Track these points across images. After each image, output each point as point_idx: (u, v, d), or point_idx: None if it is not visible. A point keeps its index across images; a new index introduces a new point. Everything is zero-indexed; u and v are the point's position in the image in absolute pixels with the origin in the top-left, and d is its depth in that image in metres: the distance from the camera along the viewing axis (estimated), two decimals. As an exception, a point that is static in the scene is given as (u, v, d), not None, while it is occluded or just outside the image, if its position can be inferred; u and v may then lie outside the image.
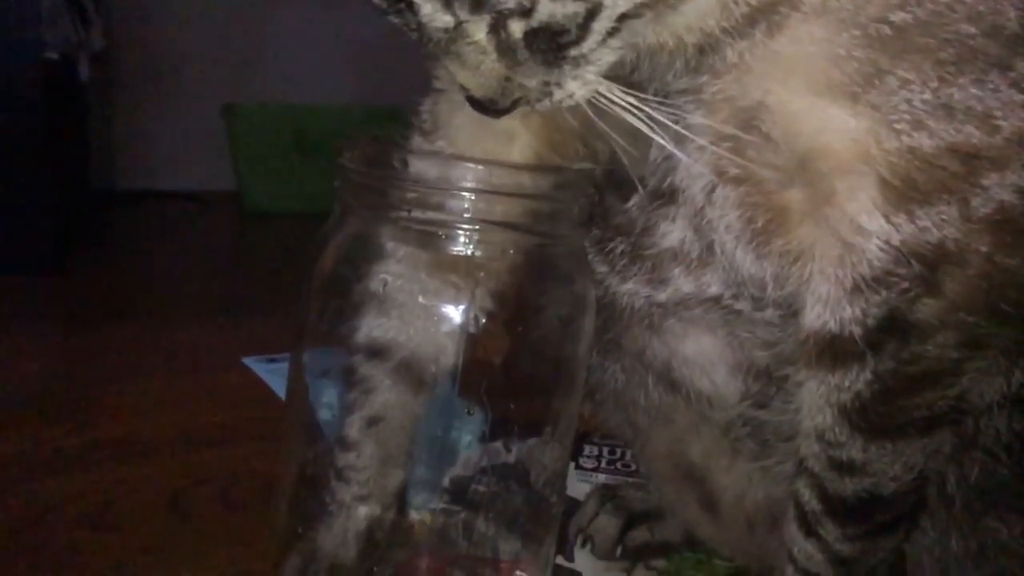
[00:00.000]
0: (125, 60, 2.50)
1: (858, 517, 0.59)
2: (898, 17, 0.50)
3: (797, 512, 0.61)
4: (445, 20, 0.48)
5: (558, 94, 0.51)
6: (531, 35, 0.48)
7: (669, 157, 0.58)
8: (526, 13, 0.47)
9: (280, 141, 2.48)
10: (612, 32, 0.50)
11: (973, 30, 0.50)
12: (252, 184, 2.50)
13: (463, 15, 0.48)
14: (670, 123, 0.53)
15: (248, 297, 1.66)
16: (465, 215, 0.59)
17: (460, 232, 0.60)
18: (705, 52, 0.53)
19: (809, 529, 0.60)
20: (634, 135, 0.58)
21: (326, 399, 0.69)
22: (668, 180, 0.60)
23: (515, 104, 0.51)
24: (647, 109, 0.52)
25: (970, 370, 0.56)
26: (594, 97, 0.52)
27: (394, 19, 0.50)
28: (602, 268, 0.65)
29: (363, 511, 0.68)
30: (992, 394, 0.59)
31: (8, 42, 1.70)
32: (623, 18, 0.49)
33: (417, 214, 0.60)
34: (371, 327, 0.67)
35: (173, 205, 2.48)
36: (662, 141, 0.53)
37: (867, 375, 0.55)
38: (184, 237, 2.23)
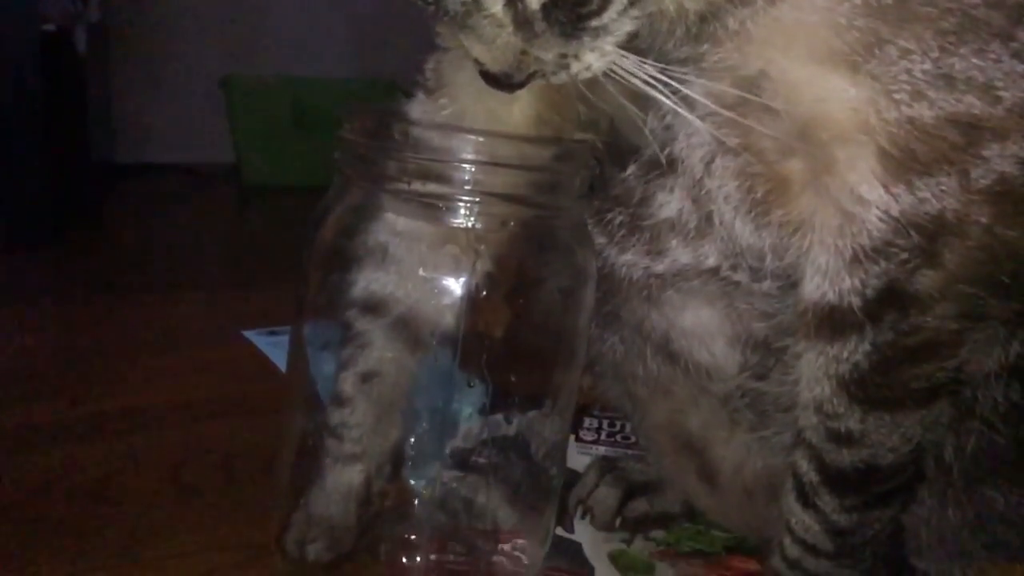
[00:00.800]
0: (123, 32, 2.48)
1: (855, 488, 0.59)
2: None
3: (795, 483, 0.61)
4: None
5: (575, 66, 0.51)
6: (549, 7, 0.48)
7: (669, 127, 0.58)
8: None
9: (279, 114, 2.47)
10: (634, 1, 0.49)
11: (976, 0, 0.50)
12: (251, 157, 2.49)
13: None
14: (693, 94, 0.53)
15: (248, 270, 1.66)
16: (466, 187, 0.59)
17: (460, 204, 0.60)
18: (706, 20, 0.52)
19: (807, 500, 0.60)
20: (635, 102, 0.58)
21: (327, 371, 0.69)
22: (667, 150, 0.60)
23: (530, 77, 0.51)
24: (664, 79, 0.52)
25: (969, 341, 0.56)
26: (611, 68, 0.52)
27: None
28: (601, 239, 0.65)
29: (357, 469, 0.68)
30: (990, 364, 0.59)
31: (4, 14, 1.68)
32: None
33: (417, 186, 0.59)
34: (368, 280, 0.67)
35: (172, 178, 2.47)
36: (683, 112, 0.53)
37: (866, 346, 0.55)
38: (183, 210, 2.23)
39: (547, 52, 0.50)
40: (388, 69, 1.74)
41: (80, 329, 1.24)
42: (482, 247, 0.62)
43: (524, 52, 0.50)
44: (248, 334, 1.16)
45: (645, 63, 0.52)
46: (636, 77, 0.52)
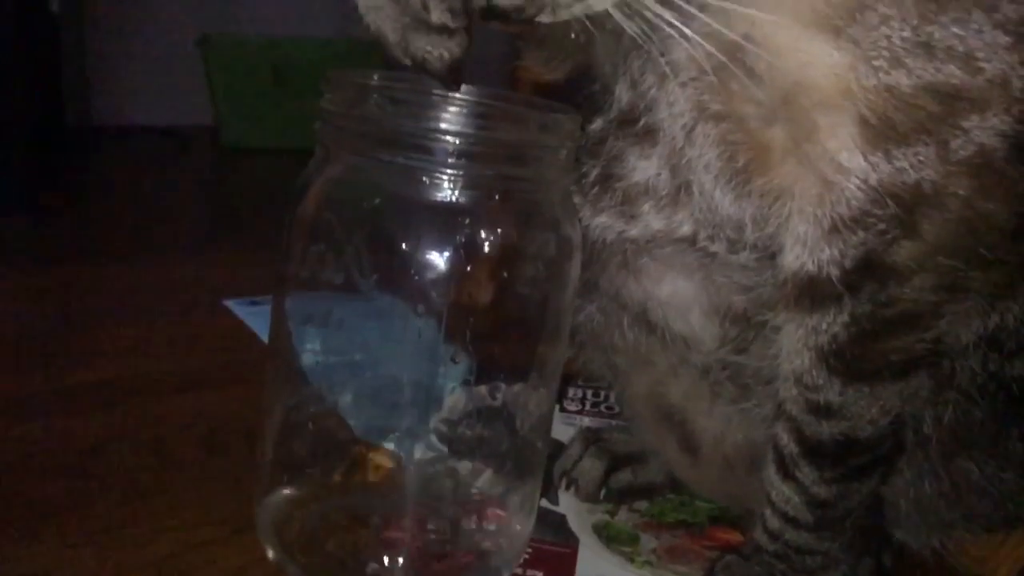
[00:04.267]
0: (96, -10, 2.42)
1: (835, 460, 0.60)
2: None
3: (775, 455, 0.62)
4: None
5: None
6: None
7: (655, 87, 0.57)
8: None
9: (258, 75, 2.43)
10: None
11: None
12: (230, 119, 2.45)
13: None
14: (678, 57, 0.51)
15: (228, 236, 1.65)
16: (449, 159, 0.58)
17: (444, 177, 0.59)
18: None
19: (787, 472, 0.61)
20: (619, 43, 0.57)
21: (309, 345, 0.69)
22: (644, 119, 0.59)
23: (539, 11, 0.48)
24: (670, 18, 0.49)
25: (948, 313, 0.57)
26: (625, 4, 0.49)
27: None
28: (576, 197, 0.65)
29: None
30: (968, 335, 0.59)
31: (-26, -27, 1.64)
32: None
33: (400, 159, 0.59)
34: None
35: (149, 141, 2.43)
36: (704, 46, 0.51)
37: (844, 317, 0.56)
38: (161, 174, 2.20)
39: None
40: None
41: (56, 298, 1.22)
42: (466, 220, 0.62)
43: None
44: (229, 303, 1.15)
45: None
46: (650, 12, 0.49)
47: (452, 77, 0.57)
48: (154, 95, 2.53)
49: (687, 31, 0.49)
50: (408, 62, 0.57)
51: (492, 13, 0.48)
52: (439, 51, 0.56)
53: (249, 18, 2.58)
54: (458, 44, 0.56)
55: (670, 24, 0.49)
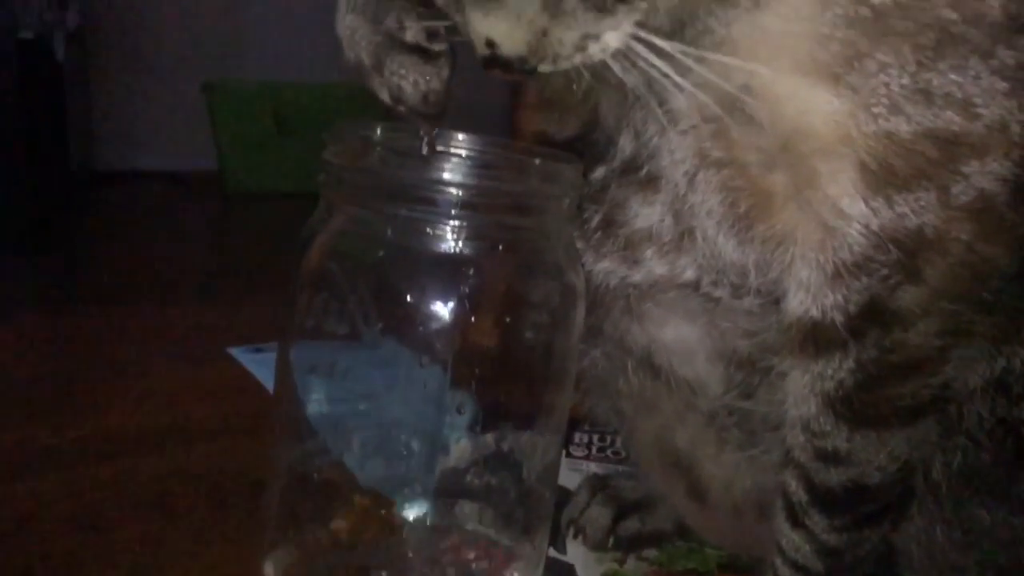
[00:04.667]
0: (102, 38, 2.45)
1: (845, 507, 0.59)
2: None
3: (785, 503, 0.61)
4: None
5: (593, 48, 0.47)
6: None
7: (657, 135, 0.58)
8: None
9: (262, 120, 2.45)
10: None
11: (954, 16, 0.50)
12: (233, 163, 2.47)
13: None
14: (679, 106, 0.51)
15: (232, 281, 1.65)
16: (452, 211, 0.59)
17: (447, 228, 0.59)
18: (684, 24, 0.51)
19: (796, 520, 0.61)
20: (622, 96, 0.57)
21: (315, 395, 0.69)
22: (647, 168, 0.59)
23: (541, 61, 0.47)
24: (669, 71, 0.49)
25: (953, 358, 0.56)
26: (628, 48, 0.48)
27: None
28: (578, 243, 0.65)
29: None
30: (975, 380, 0.59)
31: (-19, 23, 1.66)
32: None
33: (403, 211, 0.59)
34: None
35: (153, 185, 2.45)
36: (700, 96, 0.50)
37: (850, 363, 0.56)
38: (165, 218, 2.21)
39: (572, 32, 0.46)
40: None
41: (60, 346, 1.22)
42: (470, 270, 0.62)
43: (545, 32, 0.46)
44: (233, 351, 1.15)
45: (666, 45, 0.48)
46: (651, 59, 0.49)
47: (430, 109, 0.56)
48: (158, 140, 2.56)
49: (683, 83, 0.49)
50: (385, 94, 0.56)
51: (496, 62, 0.47)
52: (414, 76, 0.55)
53: (253, 64, 2.61)
54: (437, 73, 0.55)
55: (666, 76, 0.49)
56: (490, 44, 0.46)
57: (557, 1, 0.45)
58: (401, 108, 0.57)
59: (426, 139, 0.59)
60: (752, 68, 0.51)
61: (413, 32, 0.54)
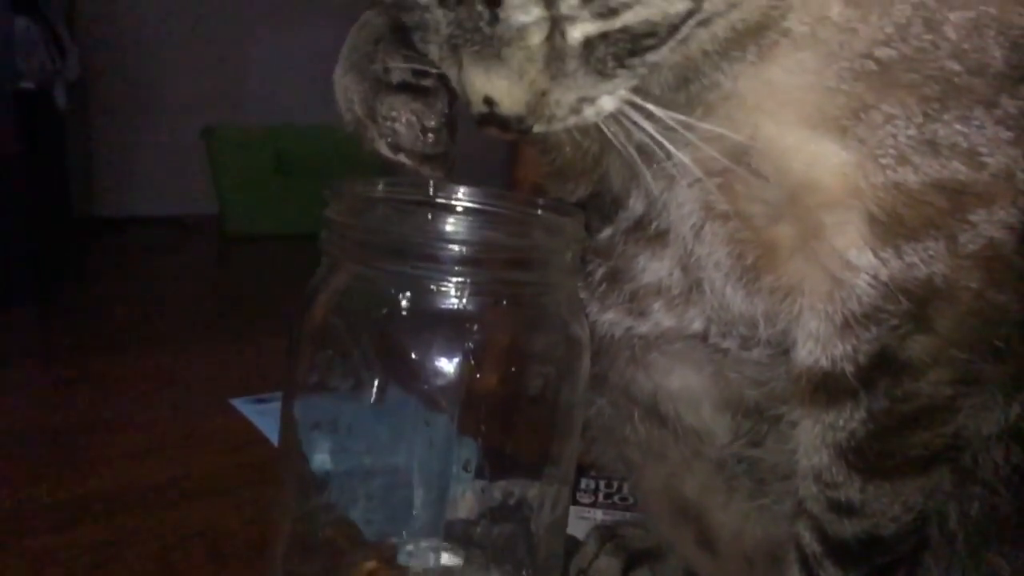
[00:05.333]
0: (102, 86, 2.47)
1: (859, 559, 0.59)
2: (883, 53, 0.50)
3: (798, 554, 0.61)
4: (535, 13, 0.43)
5: (588, 111, 0.47)
6: (595, 41, 0.44)
7: (666, 190, 0.58)
8: (605, 14, 0.43)
9: (261, 163, 2.46)
10: (685, 39, 0.46)
11: (958, 67, 0.50)
12: (234, 207, 2.48)
13: (538, 11, 0.42)
14: (683, 160, 0.51)
15: (234, 327, 1.64)
16: (455, 267, 0.58)
17: (451, 284, 0.59)
18: (688, 80, 0.52)
19: (810, 572, 0.60)
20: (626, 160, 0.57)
21: (319, 451, 0.68)
22: (655, 224, 0.59)
23: (537, 121, 0.47)
24: (661, 138, 0.49)
25: (965, 407, 0.56)
26: (622, 112, 0.48)
27: (434, 11, 0.45)
28: (583, 294, 0.65)
29: None
30: (990, 428, 0.59)
31: (-19, 73, 1.68)
32: (704, 22, 0.46)
33: (406, 268, 0.59)
34: None
35: (154, 231, 2.46)
36: (686, 161, 0.51)
37: (861, 413, 0.55)
38: (167, 263, 2.21)
39: (570, 94, 0.46)
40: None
41: (60, 397, 1.22)
42: (474, 326, 0.61)
43: (544, 93, 0.45)
44: (235, 402, 1.15)
45: (657, 111, 0.49)
46: (639, 127, 0.49)
47: (428, 147, 0.54)
48: (159, 186, 2.57)
49: (671, 148, 0.50)
50: (383, 146, 0.56)
51: (492, 120, 0.47)
52: (406, 116, 0.54)
53: (252, 108, 2.63)
54: (430, 107, 0.54)
55: (653, 139, 0.49)
56: (488, 102, 0.46)
57: (559, 63, 0.45)
58: (402, 158, 0.56)
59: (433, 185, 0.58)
60: (758, 118, 0.51)
61: (399, 72, 0.54)
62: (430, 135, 0.54)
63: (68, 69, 2.12)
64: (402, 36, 0.54)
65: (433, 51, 0.48)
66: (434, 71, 0.51)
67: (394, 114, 0.54)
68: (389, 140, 0.55)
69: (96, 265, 2.14)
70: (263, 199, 2.43)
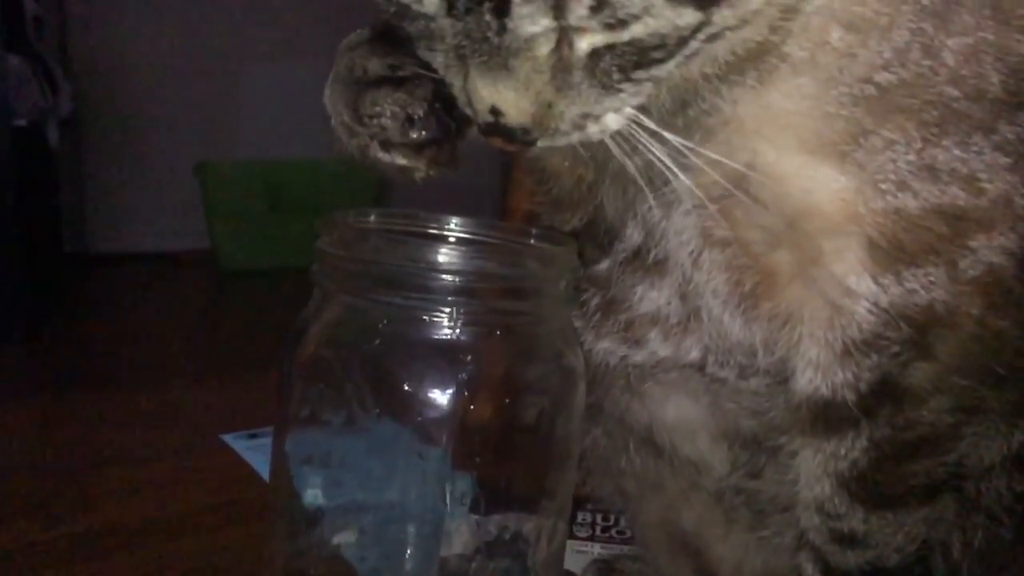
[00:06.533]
0: (95, 123, 2.48)
1: (862, 591, 0.58)
2: (882, 77, 0.50)
3: (800, 587, 0.60)
4: (543, 24, 0.42)
5: (592, 128, 0.47)
6: (601, 53, 0.44)
7: (664, 219, 0.57)
8: (615, 25, 0.42)
9: (254, 198, 2.47)
10: (693, 54, 0.46)
11: (956, 93, 0.50)
12: (227, 242, 2.48)
13: (546, 22, 0.42)
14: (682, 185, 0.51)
15: (226, 363, 1.64)
16: (448, 298, 0.58)
17: (443, 315, 0.58)
18: (687, 104, 0.51)
19: (814, 603, 0.59)
20: (624, 188, 0.57)
21: (311, 486, 0.67)
22: (653, 253, 0.59)
23: (542, 134, 0.46)
24: (667, 160, 0.49)
25: (967, 435, 0.56)
26: (626, 129, 0.48)
27: (441, 20, 0.44)
28: (578, 322, 0.64)
29: None
30: (992, 457, 0.58)
31: (-26, 112, 1.68)
32: (713, 37, 0.45)
33: (399, 299, 0.58)
34: None
35: (147, 267, 2.45)
36: (688, 185, 0.51)
37: (863, 442, 0.55)
38: (159, 299, 2.20)
39: (575, 107, 0.45)
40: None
41: (53, 434, 1.20)
42: (467, 357, 0.61)
43: (550, 105, 0.45)
44: (227, 438, 1.14)
45: (666, 134, 0.48)
46: (645, 145, 0.48)
47: (418, 134, 0.54)
48: (151, 222, 2.57)
49: (675, 168, 0.49)
50: (376, 148, 0.55)
51: (497, 130, 0.46)
52: (389, 107, 0.54)
53: (244, 143, 2.64)
54: (411, 94, 0.53)
55: (660, 161, 0.49)
56: (494, 112, 0.45)
57: (565, 75, 0.44)
58: (398, 159, 0.55)
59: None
60: (757, 144, 0.51)
61: (375, 68, 0.54)
62: (417, 122, 0.54)
63: (61, 106, 2.13)
64: (381, 41, 0.54)
65: (438, 60, 0.47)
66: (409, 62, 0.51)
67: (377, 109, 0.54)
68: (379, 138, 0.55)
69: (88, 301, 2.13)
70: (256, 234, 2.43)
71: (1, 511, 0.94)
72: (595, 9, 0.41)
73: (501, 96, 0.44)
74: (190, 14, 2.55)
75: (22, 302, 1.72)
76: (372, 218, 0.64)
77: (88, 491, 0.99)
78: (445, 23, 0.44)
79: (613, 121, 0.47)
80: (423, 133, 0.54)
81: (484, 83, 0.44)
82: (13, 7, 1.91)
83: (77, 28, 2.43)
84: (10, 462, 1.09)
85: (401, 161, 0.55)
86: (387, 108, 0.54)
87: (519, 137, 0.46)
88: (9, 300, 1.69)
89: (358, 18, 0.58)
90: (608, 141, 0.49)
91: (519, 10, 0.41)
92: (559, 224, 0.64)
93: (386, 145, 0.55)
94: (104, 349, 1.69)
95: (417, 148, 0.55)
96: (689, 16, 0.43)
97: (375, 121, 0.54)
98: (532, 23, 0.42)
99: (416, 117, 0.53)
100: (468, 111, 0.47)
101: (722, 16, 0.44)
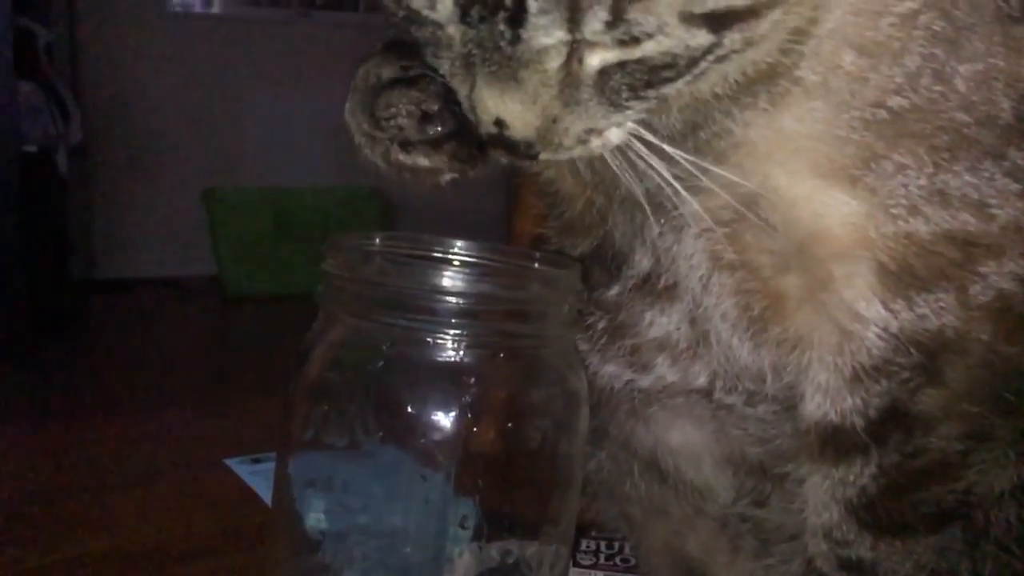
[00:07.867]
0: (104, 150, 2.51)
1: (870, 621, 0.57)
2: (894, 102, 0.50)
3: (808, 616, 0.59)
4: (557, 36, 0.42)
5: (594, 143, 0.47)
6: (612, 70, 0.44)
7: (674, 243, 0.57)
8: (628, 42, 0.42)
9: (261, 224, 2.49)
10: (701, 74, 0.46)
11: (967, 118, 0.50)
12: (233, 268, 2.49)
13: (561, 34, 0.42)
14: (692, 207, 0.51)
15: (231, 387, 1.64)
16: (452, 320, 0.58)
17: (448, 337, 0.58)
18: (698, 126, 0.51)
19: (820, 632, 0.58)
20: (633, 213, 0.57)
21: (313, 510, 0.66)
22: (663, 278, 0.59)
23: (546, 148, 0.46)
24: (670, 178, 0.49)
25: (976, 463, 0.55)
26: (627, 145, 0.48)
27: (450, 27, 0.44)
28: (583, 344, 0.64)
29: None
30: (1001, 484, 0.58)
31: (-14, 137, 1.70)
32: (721, 58, 0.45)
33: (403, 320, 0.58)
34: None
35: (154, 292, 2.46)
36: (696, 207, 0.51)
37: (872, 469, 0.54)
38: (165, 324, 2.21)
39: (580, 123, 0.45)
40: (367, 177, 1.75)
41: (55, 458, 1.19)
42: (471, 379, 0.61)
43: (556, 120, 0.45)
44: (230, 463, 1.13)
45: (668, 148, 0.48)
46: (649, 166, 0.48)
47: (436, 129, 0.53)
48: (158, 248, 2.58)
49: (681, 191, 0.49)
50: (396, 151, 0.55)
51: (500, 142, 0.46)
52: (405, 106, 0.54)
53: (251, 170, 2.66)
54: (424, 90, 0.53)
55: (663, 179, 0.49)
56: (499, 124, 0.45)
57: (574, 90, 0.44)
58: (420, 159, 0.55)
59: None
60: (768, 167, 0.51)
61: (387, 71, 0.54)
62: (434, 118, 0.54)
63: (71, 133, 2.15)
64: (394, 50, 0.54)
65: (444, 67, 0.47)
66: (419, 63, 0.51)
67: (393, 109, 0.54)
68: (398, 140, 0.55)
69: (95, 326, 2.14)
70: (262, 260, 2.45)
71: (3, 534, 0.94)
72: (611, 25, 0.41)
73: (507, 108, 0.44)
74: (198, 43, 2.58)
75: (27, 327, 1.73)
76: (377, 240, 0.64)
77: (90, 515, 0.99)
78: (455, 30, 0.44)
79: (615, 135, 0.47)
80: (439, 128, 0.54)
81: (490, 93, 0.44)
82: (25, 34, 1.93)
83: (87, 56, 2.46)
84: (9, 487, 1.08)
85: (423, 162, 0.55)
86: (402, 107, 0.54)
87: (522, 151, 0.46)
88: (14, 325, 1.70)
89: (365, 48, 0.59)
90: (611, 161, 0.49)
91: (535, 20, 0.41)
92: (568, 249, 0.64)
93: (406, 146, 0.55)
94: (108, 374, 1.70)
95: (435, 144, 0.55)
96: (702, 38, 0.43)
97: (392, 123, 0.54)
98: (546, 35, 0.42)
99: (431, 112, 0.53)
100: (471, 118, 0.46)
101: (732, 39, 0.44)
